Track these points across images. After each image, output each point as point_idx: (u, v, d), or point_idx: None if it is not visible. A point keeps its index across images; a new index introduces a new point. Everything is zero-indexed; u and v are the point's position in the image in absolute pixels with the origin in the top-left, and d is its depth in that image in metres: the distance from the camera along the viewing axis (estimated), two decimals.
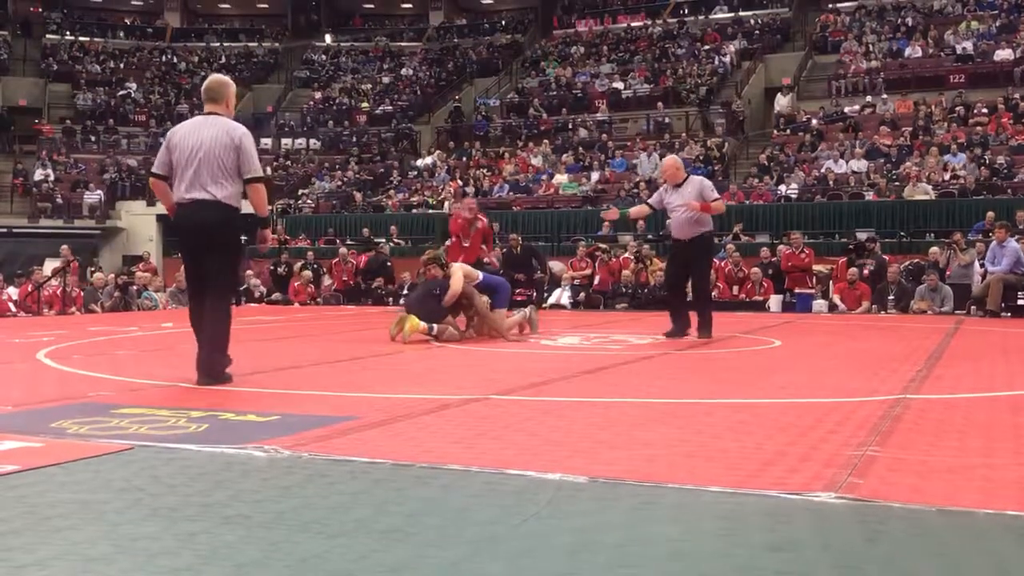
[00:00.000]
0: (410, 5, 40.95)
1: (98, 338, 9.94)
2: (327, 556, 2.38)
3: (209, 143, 5.74)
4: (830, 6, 31.17)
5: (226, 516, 2.74)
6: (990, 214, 17.32)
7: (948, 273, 15.61)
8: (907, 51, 27.20)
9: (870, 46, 27.83)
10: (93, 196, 28.61)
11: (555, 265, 18.11)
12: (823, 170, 21.87)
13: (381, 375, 6.62)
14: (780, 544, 2.49)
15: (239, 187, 5.86)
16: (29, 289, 15.70)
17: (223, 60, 37.21)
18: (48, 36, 36.01)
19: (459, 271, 9.56)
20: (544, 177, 24.80)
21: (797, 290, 16.40)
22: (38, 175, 28.95)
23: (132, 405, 4.76)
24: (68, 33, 36.47)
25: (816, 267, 16.79)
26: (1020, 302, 13.96)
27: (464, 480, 3.21)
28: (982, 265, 15.02)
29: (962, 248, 15.69)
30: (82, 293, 16.63)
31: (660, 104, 28.02)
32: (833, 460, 3.45)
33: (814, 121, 24.73)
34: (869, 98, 25.34)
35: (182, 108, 33.84)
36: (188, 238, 5.95)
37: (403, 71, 35.57)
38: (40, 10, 37.03)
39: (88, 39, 36.59)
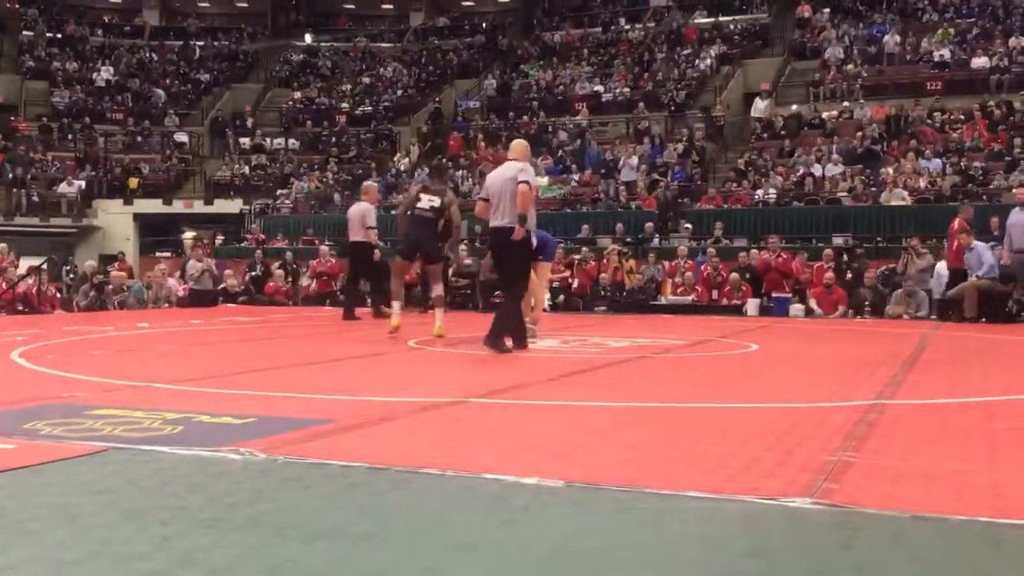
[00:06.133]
0: (391, 6, 40.85)
1: (73, 338, 9.86)
2: (302, 561, 2.37)
3: None
4: (807, 14, 31.26)
5: (200, 519, 2.73)
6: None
7: (905, 276, 15.68)
8: (885, 53, 27.39)
9: (848, 52, 27.99)
10: (70, 189, 28.37)
11: None
12: (799, 174, 21.99)
13: (360, 377, 6.60)
14: (756, 549, 2.50)
15: None
16: (3, 287, 15.55)
17: (200, 58, 37.01)
18: (25, 33, 35.68)
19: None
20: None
21: (774, 294, 16.48)
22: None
23: (107, 406, 4.72)
24: (46, 30, 36.13)
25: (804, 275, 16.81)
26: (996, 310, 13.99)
27: (440, 484, 3.20)
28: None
29: (919, 252, 15.78)
30: (57, 294, 16.53)
31: (641, 104, 28.08)
32: (809, 465, 3.46)
33: (785, 127, 24.87)
34: (847, 104, 25.51)
35: (158, 101, 33.61)
36: None
37: (383, 72, 35.47)
38: (17, 7, 36.68)
39: (65, 36, 36.25)
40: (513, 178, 8.24)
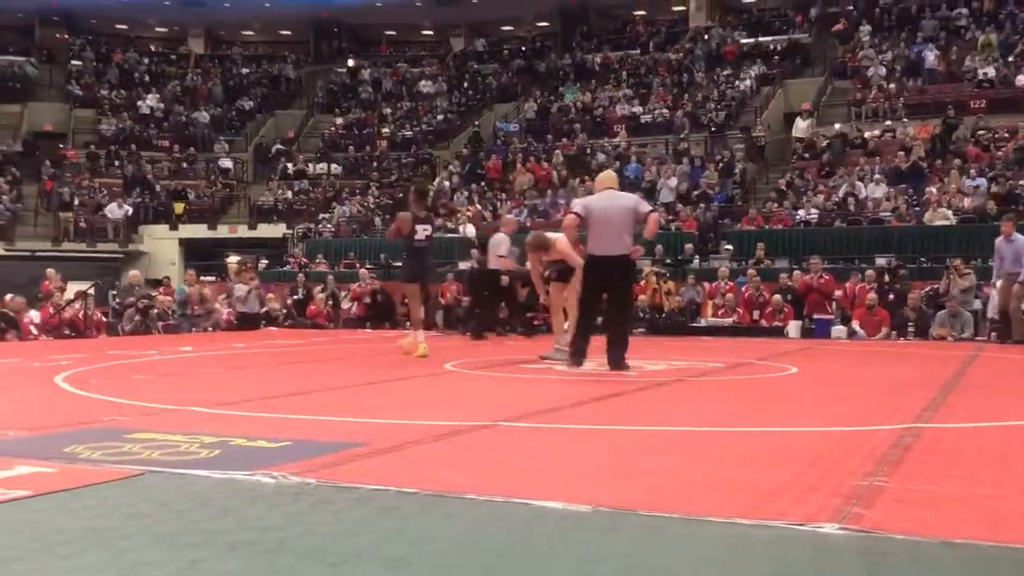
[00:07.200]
0: (431, 32, 41.23)
1: (117, 362, 10.02)
2: None
3: None
4: (847, 29, 31.05)
5: (230, 543, 2.76)
6: None
7: (948, 297, 15.43)
8: (927, 71, 27.13)
9: (890, 71, 27.77)
10: (119, 211, 28.89)
11: None
12: (841, 193, 21.81)
13: (394, 401, 6.65)
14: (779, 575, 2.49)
15: None
16: (51, 312, 15.84)
17: (245, 85, 37.55)
18: (73, 62, 36.43)
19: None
20: (562, 202, 24.82)
21: (816, 315, 16.33)
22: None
23: (146, 430, 4.79)
24: (93, 60, 36.87)
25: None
26: None
27: (468, 508, 3.22)
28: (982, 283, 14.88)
29: (962, 273, 15.53)
30: (103, 318, 16.83)
31: (682, 119, 28.01)
32: (839, 490, 3.44)
33: (829, 147, 24.68)
34: (889, 123, 25.29)
35: (202, 125, 34.11)
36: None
37: (423, 97, 35.75)
38: (66, 37, 37.49)
39: (113, 65, 36.94)
40: (633, 208, 8.63)
